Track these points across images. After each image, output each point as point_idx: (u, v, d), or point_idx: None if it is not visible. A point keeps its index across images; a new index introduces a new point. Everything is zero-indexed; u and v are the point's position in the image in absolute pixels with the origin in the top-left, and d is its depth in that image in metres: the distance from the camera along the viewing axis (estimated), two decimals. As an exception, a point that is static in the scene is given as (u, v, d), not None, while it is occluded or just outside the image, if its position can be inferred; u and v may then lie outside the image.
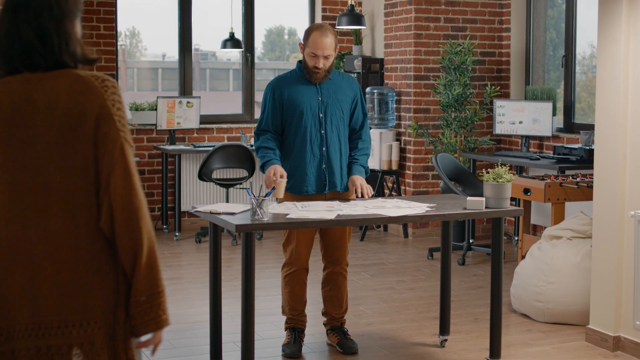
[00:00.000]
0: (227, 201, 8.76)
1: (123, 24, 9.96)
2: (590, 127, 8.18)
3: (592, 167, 7.38)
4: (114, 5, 9.23)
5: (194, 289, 6.88)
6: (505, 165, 4.92)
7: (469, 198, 4.81)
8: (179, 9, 9.61)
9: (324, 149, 5.14)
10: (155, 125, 9.24)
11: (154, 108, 9.43)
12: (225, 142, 9.60)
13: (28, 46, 2.51)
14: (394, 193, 9.32)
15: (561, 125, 8.70)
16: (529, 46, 9.21)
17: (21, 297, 2.49)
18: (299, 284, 5.30)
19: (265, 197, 4.38)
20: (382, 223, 4.22)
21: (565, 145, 7.70)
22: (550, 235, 6.12)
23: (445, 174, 7.79)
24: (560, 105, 8.77)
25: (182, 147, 9.05)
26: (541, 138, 8.74)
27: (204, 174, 8.57)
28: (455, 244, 8.29)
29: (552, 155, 7.84)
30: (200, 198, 9.48)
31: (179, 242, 8.78)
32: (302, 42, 5.13)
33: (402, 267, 7.70)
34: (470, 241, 8.17)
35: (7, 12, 2.52)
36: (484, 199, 4.79)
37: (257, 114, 10.08)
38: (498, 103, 8.63)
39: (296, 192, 5.13)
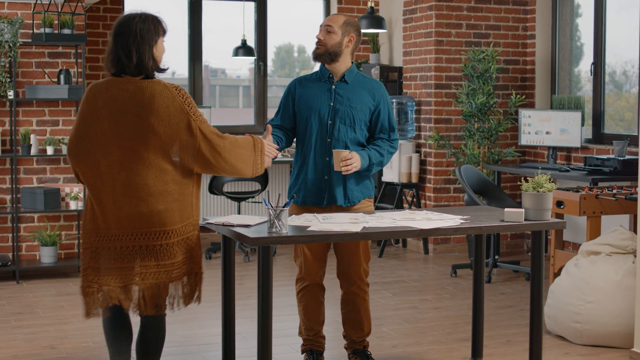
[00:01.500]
0: (239, 214, 8.33)
1: None
2: (622, 137, 7.76)
3: (626, 179, 6.98)
4: (121, 11, 8.85)
5: (204, 309, 6.43)
6: (545, 174, 4.49)
7: (506, 209, 4.39)
8: (188, 17, 9.24)
9: (327, 158, 4.74)
10: (164, 136, 8.84)
11: (162, 118, 9.04)
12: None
13: (120, 60, 3.89)
14: (413, 207, 8.90)
15: (590, 136, 8.28)
16: (555, 54, 8.79)
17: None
18: (312, 300, 4.89)
19: (284, 207, 3.97)
20: (413, 236, 3.81)
21: (597, 157, 7.27)
22: (588, 251, 5.69)
23: (469, 187, 7.37)
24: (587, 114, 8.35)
25: (191, 159, 8.62)
26: (569, 149, 8.31)
27: (214, 187, 8.16)
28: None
29: (582, 167, 7.41)
30: (210, 212, 9.07)
31: (188, 258, 8.35)
32: None
33: (424, 285, 7.27)
34: (496, 257, 7.74)
35: (112, 38, 3.91)
36: (523, 210, 4.36)
37: (270, 125, 9.67)
38: (524, 113, 8.21)
39: (295, 200, 4.77)
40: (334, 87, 4.77)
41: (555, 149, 8.10)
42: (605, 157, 7.20)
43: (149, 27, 3.89)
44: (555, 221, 4.41)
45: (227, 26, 9.66)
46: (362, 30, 8.43)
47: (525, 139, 8.21)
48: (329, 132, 4.72)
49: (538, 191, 4.38)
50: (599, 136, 8.17)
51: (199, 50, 9.32)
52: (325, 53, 4.72)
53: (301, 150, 4.79)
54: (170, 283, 3.91)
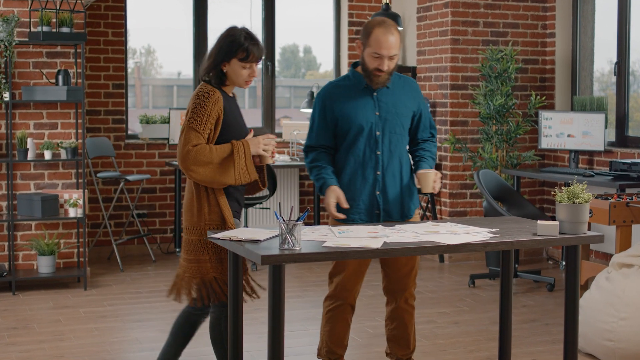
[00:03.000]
0: (246, 223, 7.97)
1: (139, 42, 9.53)
2: (649, 141, 7.39)
3: (658, 185, 6.60)
4: (123, 9, 8.50)
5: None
6: (581, 183, 4.12)
7: (539, 222, 4.02)
8: (193, 17, 8.88)
9: (378, 172, 4.37)
10: (168, 139, 8.49)
11: (166, 121, 8.69)
12: (244, 157, 8.83)
13: (203, 74, 4.20)
14: (428, 214, 8.53)
15: (613, 139, 7.90)
16: (575, 53, 8.42)
17: None
18: (341, 322, 4.52)
19: (297, 221, 3.60)
20: (439, 253, 3.45)
21: (624, 161, 6.89)
22: (620, 263, 5.31)
23: (488, 193, 7.00)
24: (611, 117, 7.97)
25: (196, 163, 8.26)
26: (591, 153, 7.94)
27: (220, 193, 7.79)
28: (493, 269, 7.50)
29: (607, 172, 7.04)
30: (216, 219, 8.69)
31: (193, 267, 7.99)
32: (361, 41, 4.33)
33: (441, 297, 6.89)
34: (515, 266, 7.37)
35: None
36: (557, 223, 3.99)
37: (278, 127, 9.33)
38: (544, 114, 7.83)
39: (344, 220, 4.37)
40: (375, 94, 4.38)
41: (577, 152, 7.72)
42: (631, 161, 6.83)
43: (226, 45, 4.13)
44: (593, 234, 4.04)
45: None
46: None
47: (545, 142, 7.83)
48: (378, 144, 4.35)
49: (574, 202, 4.01)
50: (623, 139, 7.80)
51: (204, 50, 8.95)
52: (387, 79, 4.34)
53: (345, 165, 4.39)
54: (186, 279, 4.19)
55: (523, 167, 8.21)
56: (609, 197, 5.95)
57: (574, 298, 4.13)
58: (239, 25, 4.18)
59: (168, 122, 8.47)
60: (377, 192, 4.36)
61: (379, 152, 4.35)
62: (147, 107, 12.15)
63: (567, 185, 7.75)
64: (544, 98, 8.12)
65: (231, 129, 4.15)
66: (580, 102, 7.99)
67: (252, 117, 9.66)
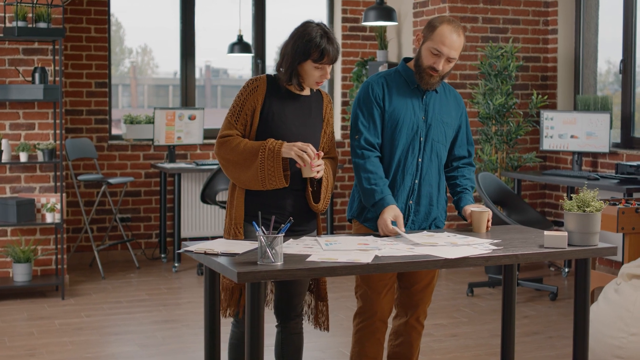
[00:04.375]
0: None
1: (134, 42, 9.19)
2: (657, 142, 7.04)
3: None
4: (107, 4, 8.13)
5: (192, 336, 5.72)
6: (592, 189, 3.76)
7: (546, 233, 3.66)
8: (180, 14, 8.52)
9: (416, 181, 3.99)
10: (153, 140, 8.12)
11: (151, 121, 8.32)
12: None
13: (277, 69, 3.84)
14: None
15: (618, 140, 7.55)
16: (578, 50, 8.05)
17: None
18: (371, 342, 4.07)
19: (279, 233, 3.23)
20: (436, 267, 3.08)
21: (631, 163, 6.54)
22: (630, 274, 4.95)
23: (488, 197, 6.64)
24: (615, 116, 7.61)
25: (182, 165, 7.91)
26: (595, 154, 7.58)
27: (207, 196, 7.42)
28: (493, 277, 7.14)
29: (613, 175, 6.68)
30: (202, 223, 8.34)
31: (178, 274, 7.63)
32: (423, 33, 3.95)
33: (437, 306, 6.52)
34: (516, 274, 6.99)
35: None
36: (566, 234, 3.63)
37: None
38: (546, 114, 7.47)
39: (374, 226, 3.98)
40: (424, 96, 4.00)
41: (580, 154, 7.37)
42: (638, 163, 6.48)
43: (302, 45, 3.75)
44: (605, 247, 3.68)
45: (227, 25, 8.96)
46: (370, 24, 7.69)
47: (547, 144, 7.47)
48: (421, 150, 3.98)
49: (584, 211, 3.65)
50: (628, 140, 7.44)
51: (191, 48, 8.60)
52: (438, 81, 3.96)
53: (386, 168, 3.99)
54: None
55: (524, 170, 7.86)
56: (617, 203, 5.59)
57: (584, 315, 3.78)
58: (316, 20, 3.78)
59: (153, 123, 8.10)
60: (411, 202, 3.99)
61: (420, 159, 3.98)
62: (143, 107, 12.07)
63: (572, 189, 7.40)
64: (545, 97, 7.76)
65: (271, 125, 3.75)
66: (584, 102, 7.64)
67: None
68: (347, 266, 3.26)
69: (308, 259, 3.32)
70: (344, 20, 8.87)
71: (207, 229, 8.36)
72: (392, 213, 3.80)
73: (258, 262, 3.22)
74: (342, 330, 5.76)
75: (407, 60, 4.06)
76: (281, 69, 3.79)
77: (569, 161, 7.88)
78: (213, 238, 8.51)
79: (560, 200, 4.03)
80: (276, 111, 3.77)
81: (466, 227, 4.04)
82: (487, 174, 6.87)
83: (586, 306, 3.77)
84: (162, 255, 8.15)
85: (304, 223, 3.86)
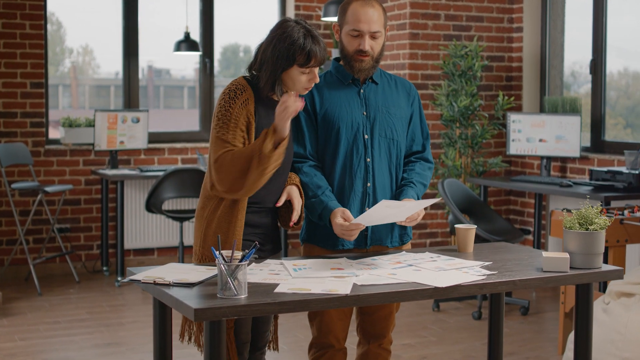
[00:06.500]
0: (182, 237, 7.07)
1: (76, 42, 8.60)
2: (631, 146, 6.66)
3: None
4: (43, -2, 7.56)
5: (137, 361, 5.20)
6: (594, 205, 3.33)
7: (545, 255, 3.21)
8: (122, 12, 7.97)
9: (369, 184, 3.53)
10: (93, 144, 7.55)
11: (91, 124, 7.75)
12: (179, 165, 7.96)
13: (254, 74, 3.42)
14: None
15: (587, 144, 7.17)
16: (545, 49, 7.67)
17: None
18: None
19: (242, 261, 2.75)
20: (425, 298, 2.62)
21: (606, 169, 6.16)
22: (619, 292, 4.55)
23: (455, 205, 6.21)
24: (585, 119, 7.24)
25: (126, 171, 7.36)
26: (564, 159, 7.19)
27: (152, 205, 6.90)
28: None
29: (587, 181, 6.29)
30: (147, 234, 7.79)
31: (121, 289, 7.07)
32: (337, 22, 3.57)
33: (402, 323, 6.06)
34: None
35: None
36: (567, 256, 3.19)
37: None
38: (512, 117, 7.06)
39: (326, 245, 3.54)
40: (362, 90, 3.57)
41: (549, 159, 6.97)
42: (616, 169, 6.10)
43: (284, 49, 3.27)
44: (611, 269, 3.24)
45: (172, 24, 8.44)
46: (326, 19, 7.21)
47: (515, 147, 7.07)
48: (368, 149, 3.53)
49: (587, 229, 3.22)
50: (599, 144, 7.07)
51: (134, 47, 8.04)
52: (372, 65, 3.53)
53: (331, 175, 3.54)
54: None
55: (489, 175, 7.45)
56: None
57: (586, 347, 3.34)
58: (293, 17, 3.30)
59: (93, 126, 7.54)
60: (366, 209, 3.51)
61: (368, 159, 3.53)
62: (84, 107, 11.69)
63: (540, 196, 7.01)
64: (512, 99, 7.36)
65: None
66: (552, 103, 7.25)
67: (191, 118, 8.81)
68: (322, 299, 2.78)
69: (276, 290, 2.83)
70: (297, 17, 8.38)
71: (152, 240, 7.82)
72: (339, 214, 3.37)
73: (218, 295, 2.73)
74: (302, 352, 5.28)
75: (337, 59, 3.64)
76: (254, 72, 3.34)
77: (535, 166, 7.49)
78: (159, 249, 8.07)
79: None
80: (266, 124, 3.28)
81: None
82: (454, 180, 6.45)
83: (588, 333, 3.33)
84: (104, 268, 7.60)
85: (273, 241, 3.41)
